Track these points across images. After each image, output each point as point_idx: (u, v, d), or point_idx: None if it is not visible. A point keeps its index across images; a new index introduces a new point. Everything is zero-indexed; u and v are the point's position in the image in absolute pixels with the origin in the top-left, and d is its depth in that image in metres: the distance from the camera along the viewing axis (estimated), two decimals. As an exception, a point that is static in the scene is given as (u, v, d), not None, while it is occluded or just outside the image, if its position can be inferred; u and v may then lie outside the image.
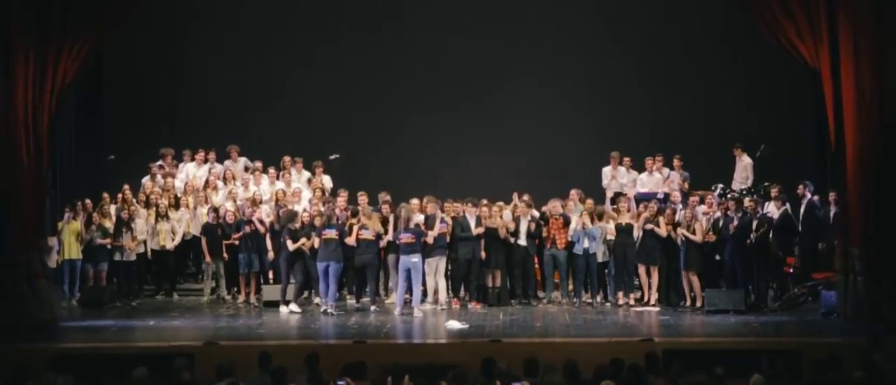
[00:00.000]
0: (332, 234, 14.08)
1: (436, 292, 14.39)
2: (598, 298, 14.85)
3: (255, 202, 15.74)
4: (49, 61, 13.30)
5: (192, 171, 17.00)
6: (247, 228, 15.23)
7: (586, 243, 14.49)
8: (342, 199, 15.19)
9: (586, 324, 13.30)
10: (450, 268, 14.77)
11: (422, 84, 18.86)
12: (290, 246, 14.33)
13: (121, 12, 13.82)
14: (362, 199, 15.11)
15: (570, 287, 14.81)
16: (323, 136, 18.17)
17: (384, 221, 14.74)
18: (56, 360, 11.02)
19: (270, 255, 15.09)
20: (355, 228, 14.26)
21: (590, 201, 15.17)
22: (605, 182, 16.80)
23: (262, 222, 15.24)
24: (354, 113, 18.81)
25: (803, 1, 12.96)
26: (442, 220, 14.45)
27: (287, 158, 16.95)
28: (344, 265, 14.32)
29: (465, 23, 18.80)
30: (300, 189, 16.26)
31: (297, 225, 14.50)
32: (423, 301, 14.27)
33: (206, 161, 17.15)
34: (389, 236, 14.54)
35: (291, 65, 18.97)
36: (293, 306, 14.37)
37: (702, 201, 15.03)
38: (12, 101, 13.08)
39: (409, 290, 14.22)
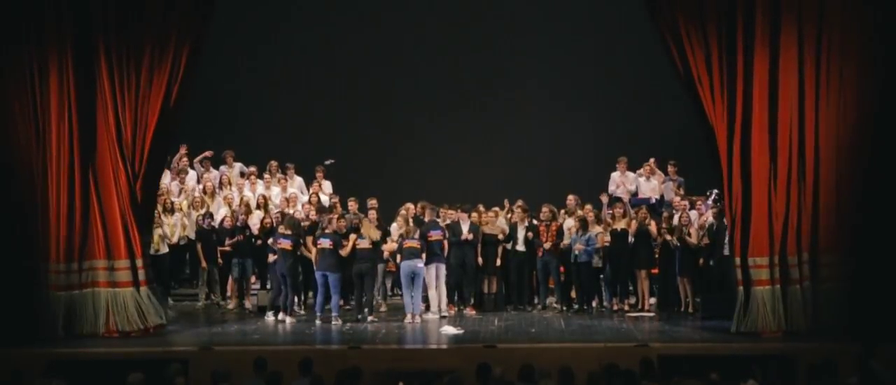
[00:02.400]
0: (326, 243, 14.03)
1: (430, 300, 14.33)
2: (594, 304, 14.84)
3: (250, 207, 15.73)
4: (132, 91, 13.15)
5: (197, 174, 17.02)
6: (240, 236, 15.18)
7: (578, 249, 14.43)
8: (339, 207, 15.20)
9: (581, 329, 13.29)
10: (444, 274, 14.73)
11: (420, 89, 18.89)
12: (317, 244, 14.14)
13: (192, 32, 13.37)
14: (372, 206, 15.13)
15: (572, 293, 14.81)
16: (318, 140, 18.18)
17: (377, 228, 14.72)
18: (51, 365, 11.00)
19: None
20: (352, 239, 14.10)
21: (588, 207, 15.16)
22: (612, 188, 16.77)
23: (259, 228, 15.20)
24: (351, 117, 18.82)
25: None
26: (438, 227, 14.42)
27: (274, 163, 16.93)
28: (343, 274, 14.17)
29: (465, 28, 18.81)
30: (296, 194, 16.26)
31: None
32: (425, 309, 14.24)
33: (191, 166, 17.15)
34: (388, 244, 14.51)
35: (287, 69, 18.97)
36: (276, 315, 14.25)
37: (692, 207, 15.06)
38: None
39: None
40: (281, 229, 14.28)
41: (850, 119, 12.50)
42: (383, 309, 14.84)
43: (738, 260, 12.63)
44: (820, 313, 12.47)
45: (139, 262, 13.10)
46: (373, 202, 15.16)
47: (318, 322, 13.88)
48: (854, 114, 12.49)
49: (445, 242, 14.36)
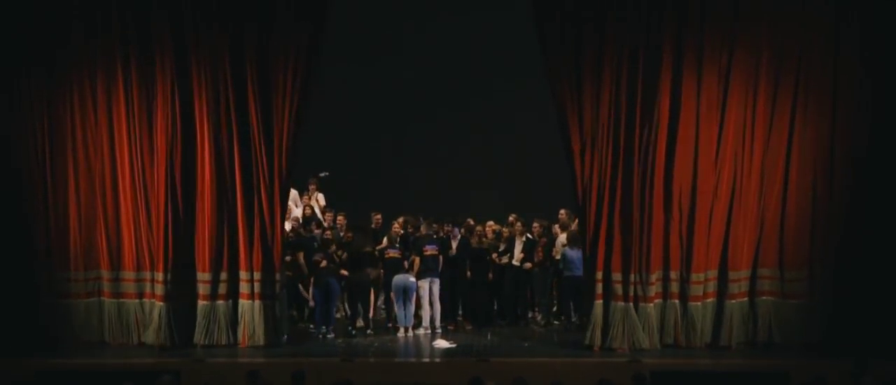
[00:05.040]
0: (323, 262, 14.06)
1: (422, 315, 14.31)
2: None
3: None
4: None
5: None
6: None
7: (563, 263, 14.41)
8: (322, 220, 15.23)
9: (574, 344, 13.28)
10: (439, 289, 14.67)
11: (416, 103, 18.87)
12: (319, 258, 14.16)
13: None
14: (376, 218, 15.23)
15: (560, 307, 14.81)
16: (312, 152, 18.16)
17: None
18: (42, 376, 10.97)
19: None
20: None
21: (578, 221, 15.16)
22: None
23: None
24: (347, 129, 18.81)
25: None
26: (433, 241, 14.40)
27: None
28: (340, 286, 14.12)
29: (461, 43, 18.81)
30: (289, 206, 16.22)
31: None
32: (418, 324, 14.21)
33: None
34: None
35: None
36: None
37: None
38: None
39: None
40: None
41: (829, 140, 12.64)
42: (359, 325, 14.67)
43: (619, 276, 12.65)
44: (781, 328, 12.65)
45: (158, 277, 13.10)
46: (377, 217, 15.24)
47: (320, 336, 13.72)
48: (831, 135, 12.64)
49: (441, 257, 14.34)
